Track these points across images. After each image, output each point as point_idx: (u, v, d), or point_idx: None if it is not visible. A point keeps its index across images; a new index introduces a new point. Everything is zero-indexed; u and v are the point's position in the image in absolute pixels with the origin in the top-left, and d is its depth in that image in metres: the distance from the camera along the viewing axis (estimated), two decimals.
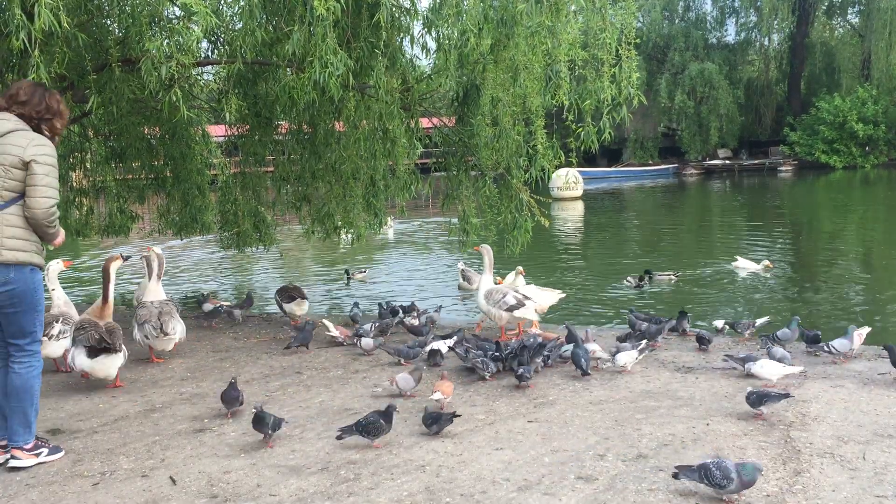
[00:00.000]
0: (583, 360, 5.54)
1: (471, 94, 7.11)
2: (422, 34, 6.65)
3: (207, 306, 8.47)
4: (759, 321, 6.89)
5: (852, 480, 3.69)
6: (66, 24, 4.73)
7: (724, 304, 9.54)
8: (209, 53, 8.08)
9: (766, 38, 47.18)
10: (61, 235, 4.32)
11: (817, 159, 40.41)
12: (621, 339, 6.37)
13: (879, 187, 30.58)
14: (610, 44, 6.66)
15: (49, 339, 5.84)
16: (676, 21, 47.64)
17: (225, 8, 6.73)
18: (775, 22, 44.64)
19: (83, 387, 5.88)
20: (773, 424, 4.48)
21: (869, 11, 40.96)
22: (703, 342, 6.37)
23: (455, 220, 8.21)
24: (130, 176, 10.38)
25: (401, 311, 7.87)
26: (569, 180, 24.91)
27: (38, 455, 4.25)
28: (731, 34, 48.60)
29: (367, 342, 6.52)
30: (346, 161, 7.41)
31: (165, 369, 6.39)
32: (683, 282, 10.85)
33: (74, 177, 10.54)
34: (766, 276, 11.16)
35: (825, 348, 5.82)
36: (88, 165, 10.45)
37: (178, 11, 6.09)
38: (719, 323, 7.13)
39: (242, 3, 5.92)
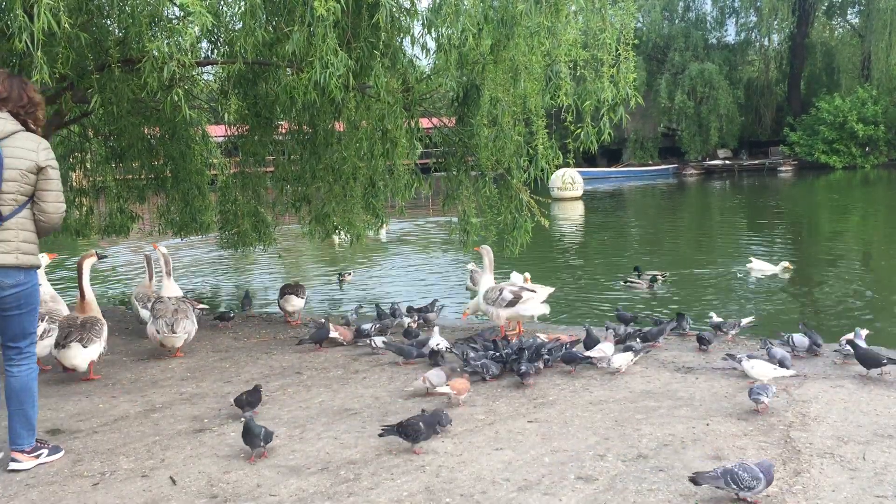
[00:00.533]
0: (578, 355, 5.72)
1: (471, 94, 7.12)
2: (422, 34, 6.66)
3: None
4: (744, 321, 6.87)
5: (852, 481, 3.69)
6: (66, 25, 4.72)
7: (725, 304, 9.52)
8: (209, 53, 8.10)
9: (766, 39, 47.16)
10: None
11: (817, 159, 40.36)
12: (620, 340, 6.37)
13: (879, 187, 30.54)
14: (610, 44, 6.67)
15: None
16: (676, 21, 47.62)
17: (225, 8, 6.74)
18: (775, 22, 44.60)
19: (83, 387, 5.89)
20: (773, 424, 4.48)
21: (869, 11, 40.92)
22: (703, 342, 6.37)
23: (455, 220, 8.22)
24: (130, 176, 10.38)
25: (414, 311, 7.92)
26: (566, 181, 24.94)
27: (37, 456, 4.25)
28: (731, 34, 48.68)
29: (379, 340, 6.58)
30: (345, 161, 7.43)
31: (165, 369, 6.40)
32: (684, 282, 10.83)
33: (74, 177, 10.55)
34: (785, 278, 10.85)
35: (787, 341, 6.02)
36: (88, 165, 10.48)
37: (178, 11, 6.09)
38: (714, 316, 7.09)
39: (243, 4, 5.93)
